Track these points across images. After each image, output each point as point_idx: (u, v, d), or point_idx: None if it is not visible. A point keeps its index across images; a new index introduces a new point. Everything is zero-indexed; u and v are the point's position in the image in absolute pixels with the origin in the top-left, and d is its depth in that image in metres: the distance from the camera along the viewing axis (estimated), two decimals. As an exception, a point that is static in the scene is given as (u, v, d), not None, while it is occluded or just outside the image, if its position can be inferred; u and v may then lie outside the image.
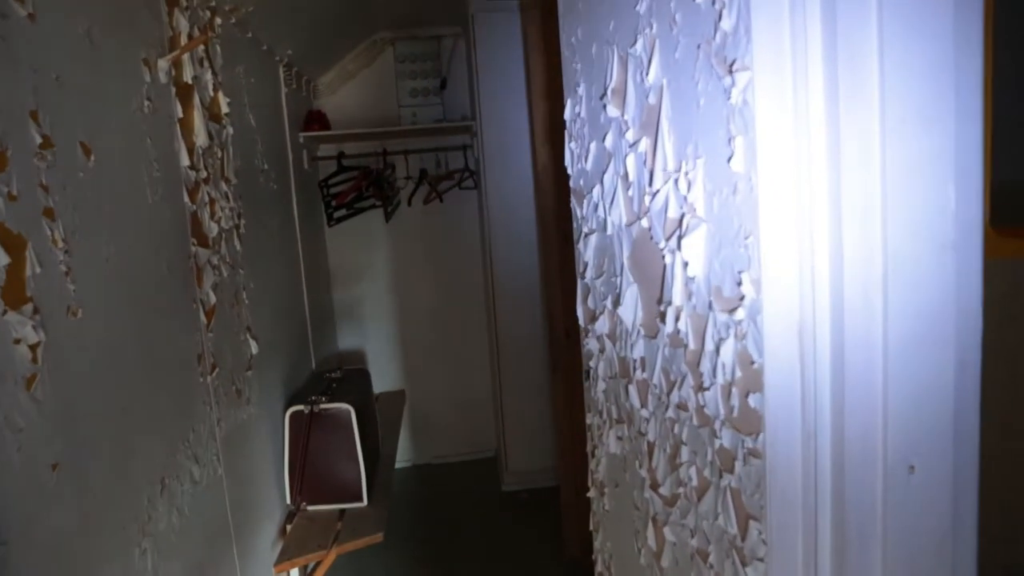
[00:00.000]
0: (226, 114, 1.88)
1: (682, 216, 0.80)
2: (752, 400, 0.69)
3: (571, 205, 1.22)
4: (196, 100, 1.66)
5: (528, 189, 2.95)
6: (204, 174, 1.70)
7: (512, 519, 3.00)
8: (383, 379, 3.53)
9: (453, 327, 3.55)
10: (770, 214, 0.64)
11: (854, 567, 0.68)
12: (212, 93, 1.81)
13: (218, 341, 1.70)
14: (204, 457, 1.55)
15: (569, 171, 1.22)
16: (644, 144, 0.88)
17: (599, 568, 1.33)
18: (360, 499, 2.22)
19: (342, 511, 2.21)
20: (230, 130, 1.93)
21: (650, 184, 0.87)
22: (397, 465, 3.53)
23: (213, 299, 1.69)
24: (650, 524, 1.01)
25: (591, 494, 1.32)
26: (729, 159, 0.68)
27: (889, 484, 0.65)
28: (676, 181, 0.80)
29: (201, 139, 1.67)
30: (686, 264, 0.78)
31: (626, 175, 0.95)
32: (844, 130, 0.60)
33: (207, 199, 1.71)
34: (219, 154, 1.84)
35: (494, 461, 3.54)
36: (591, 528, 1.35)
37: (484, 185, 3.05)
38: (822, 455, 0.67)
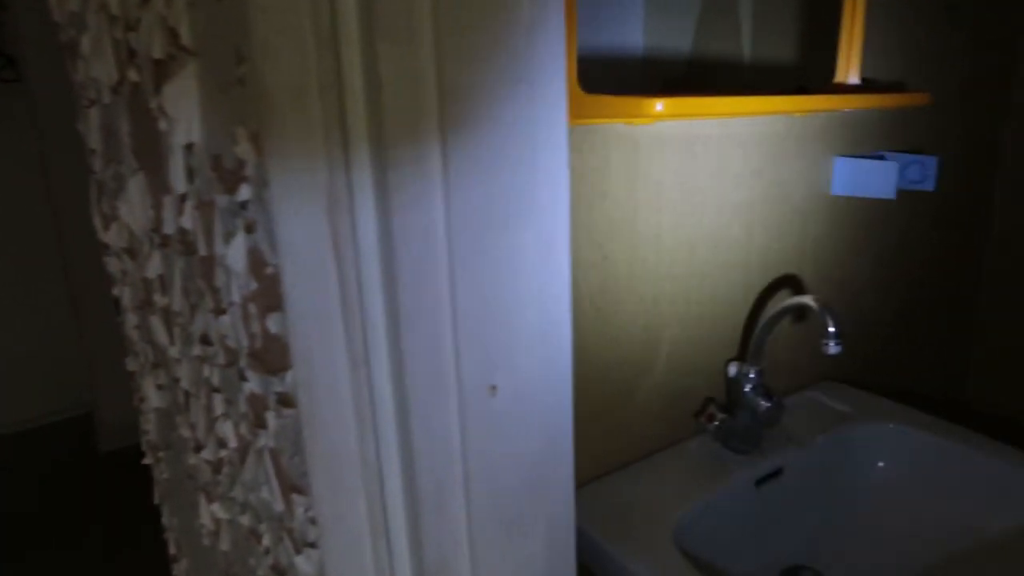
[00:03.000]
0: None
1: (168, 54, 0.52)
2: (272, 323, 0.46)
3: (65, 67, 0.85)
4: None
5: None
6: None
7: (113, 484, 2.52)
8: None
9: (10, 263, 2.80)
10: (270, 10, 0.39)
11: (433, 525, 0.51)
12: None
13: None
14: None
15: (56, 17, 0.84)
16: (115, -54, 0.57)
17: (172, 549, 1.04)
18: None
19: None
20: None
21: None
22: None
23: None
24: (202, 497, 0.75)
25: (147, 460, 1.01)
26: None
27: (468, 411, 0.48)
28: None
29: None
30: (175, 125, 0.51)
31: (107, 4, 0.63)
32: None
33: None
34: None
35: (89, 418, 2.95)
36: (156, 501, 1.05)
37: (30, 76, 2.36)
38: (380, 388, 0.47)
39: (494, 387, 0.48)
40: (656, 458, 0.92)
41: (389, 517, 0.51)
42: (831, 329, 0.80)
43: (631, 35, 0.93)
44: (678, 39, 1.00)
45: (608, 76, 0.86)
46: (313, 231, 0.42)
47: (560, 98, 0.47)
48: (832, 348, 0.80)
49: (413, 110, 0.41)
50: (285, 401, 0.48)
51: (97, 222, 0.87)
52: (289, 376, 0.47)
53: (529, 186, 0.46)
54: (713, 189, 0.88)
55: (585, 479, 0.87)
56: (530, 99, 0.45)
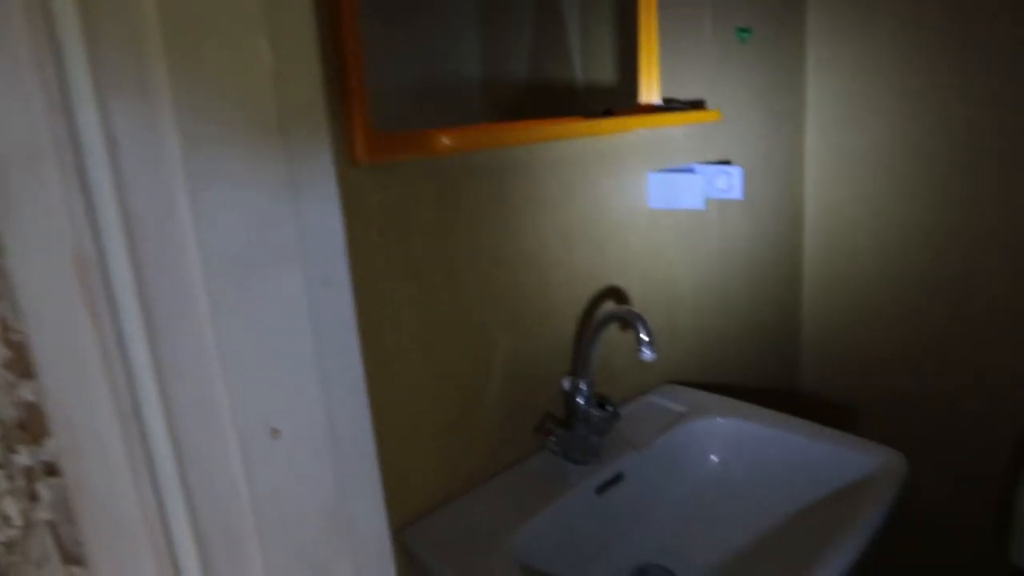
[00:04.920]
0: None
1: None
2: (27, 390, 0.44)
3: None
4: None
5: None
6: None
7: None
8: None
9: None
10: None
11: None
12: None
13: None
14: None
15: None
16: None
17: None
18: None
19: None
20: None
21: None
22: None
23: None
24: None
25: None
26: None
27: (251, 456, 0.47)
28: None
29: None
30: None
31: None
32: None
33: None
34: None
35: None
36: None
37: None
38: (156, 438, 0.46)
39: (276, 430, 0.48)
40: (500, 478, 0.93)
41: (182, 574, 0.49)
42: (644, 337, 0.84)
43: (468, 64, 0.96)
44: (516, 65, 1.03)
45: (445, 105, 0.87)
46: (62, 294, 0.41)
47: (322, 143, 0.47)
48: (647, 355, 0.84)
49: (154, 153, 0.40)
50: (50, 469, 0.46)
51: None
52: (52, 443, 0.44)
53: (293, 226, 0.46)
54: (528, 212, 0.92)
55: (431, 505, 0.87)
56: (287, 146, 0.45)
